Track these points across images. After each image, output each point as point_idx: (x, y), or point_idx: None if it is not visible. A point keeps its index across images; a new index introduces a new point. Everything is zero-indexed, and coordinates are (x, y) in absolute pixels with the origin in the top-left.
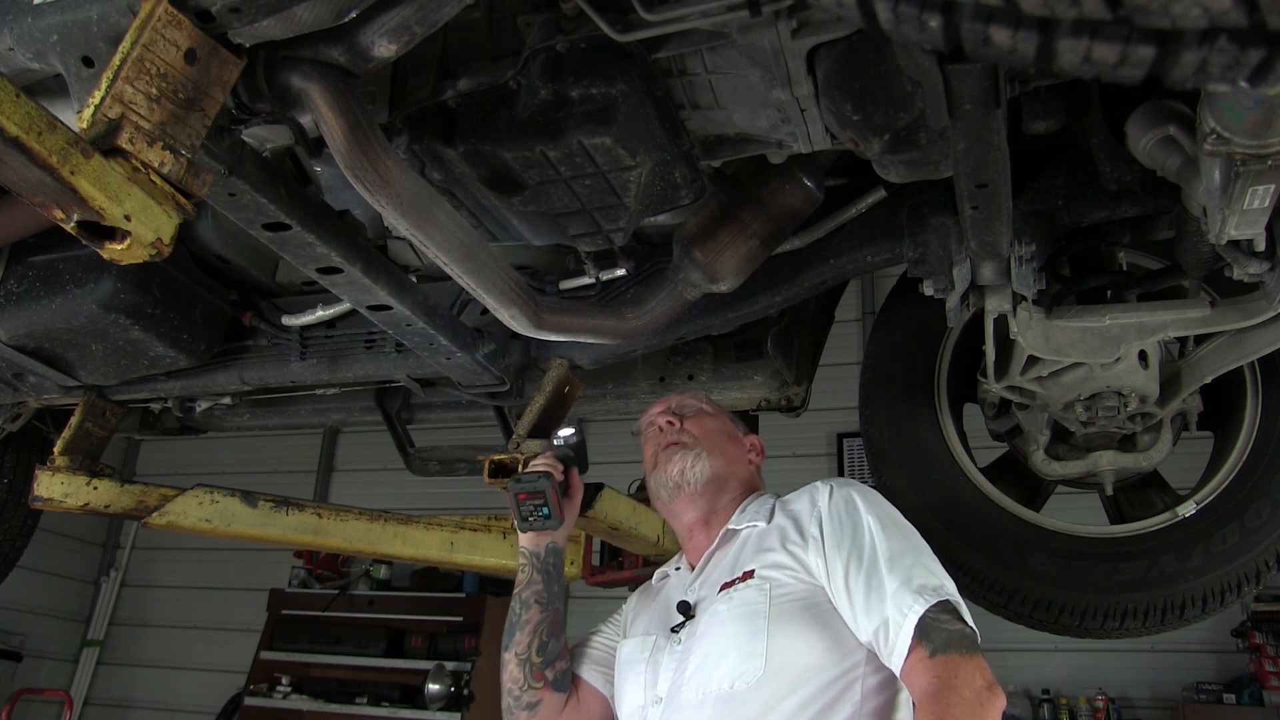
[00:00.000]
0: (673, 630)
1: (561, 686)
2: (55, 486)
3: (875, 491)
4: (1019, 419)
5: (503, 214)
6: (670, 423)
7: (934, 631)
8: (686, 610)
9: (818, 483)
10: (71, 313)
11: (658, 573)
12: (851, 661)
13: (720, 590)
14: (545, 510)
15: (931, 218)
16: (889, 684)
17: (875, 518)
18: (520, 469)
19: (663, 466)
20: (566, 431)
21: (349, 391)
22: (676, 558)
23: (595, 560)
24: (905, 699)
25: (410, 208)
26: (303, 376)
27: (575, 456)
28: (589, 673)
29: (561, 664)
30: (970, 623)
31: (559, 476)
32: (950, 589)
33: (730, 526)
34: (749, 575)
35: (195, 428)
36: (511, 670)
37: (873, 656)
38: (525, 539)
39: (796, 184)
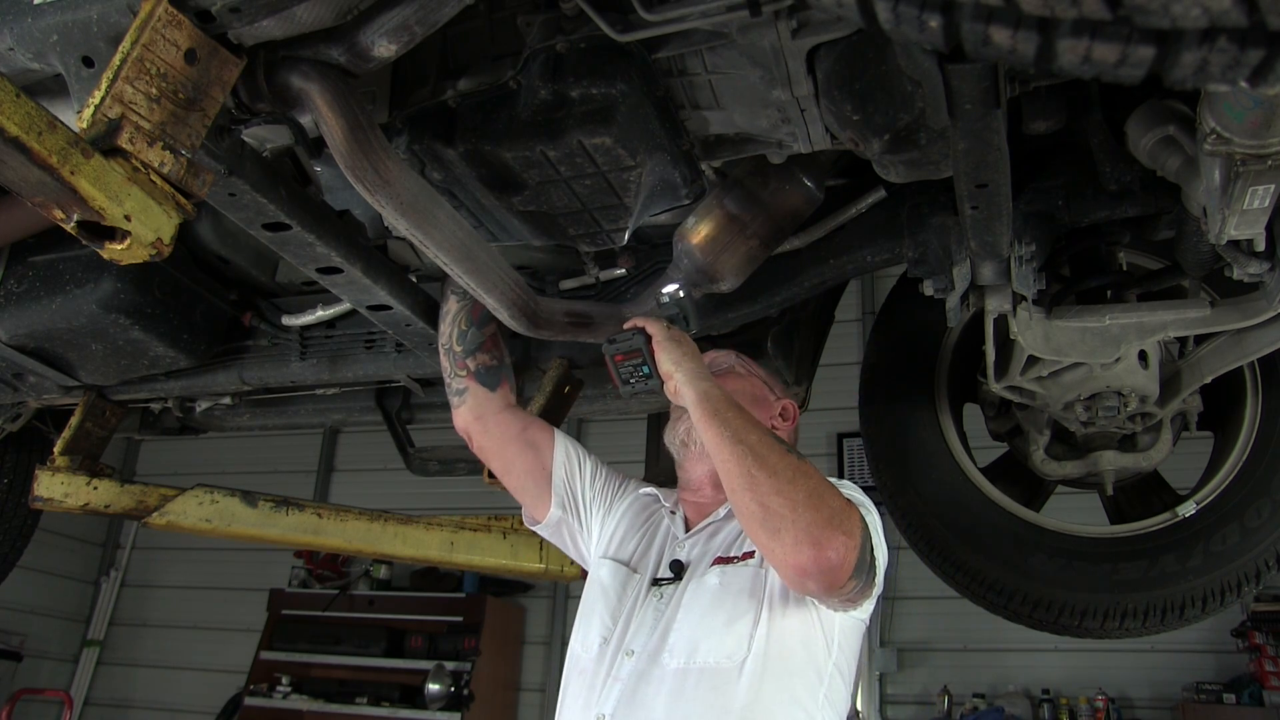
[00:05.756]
0: (655, 582)
1: (486, 381)
2: (55, 486)
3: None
4: (1019, 419)
5: (503, 214)
6: None
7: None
8: (678, 570)
9: None
10: (71, 313)
11: (646, 490)
12: (825, 652)
13: (714, 563)
14: (646, 369)
15: (931, 218)
16: (844, 670)
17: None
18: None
19: (673, 423)
20: (670, 287)
21: (349, 391)
22: (671, 497)
23: None
24: (848, 684)
25: (410, 208)
26: (303, 376)
27: (680, 315)
28: (561, 463)
29: (485, 357)
30: (872, 534)
31: (656, 333)
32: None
33: None
34: (749, 556)
35: (195, 428)
36: (442, 361)
37: (838, 646)
38: None
39: (796, 184)
